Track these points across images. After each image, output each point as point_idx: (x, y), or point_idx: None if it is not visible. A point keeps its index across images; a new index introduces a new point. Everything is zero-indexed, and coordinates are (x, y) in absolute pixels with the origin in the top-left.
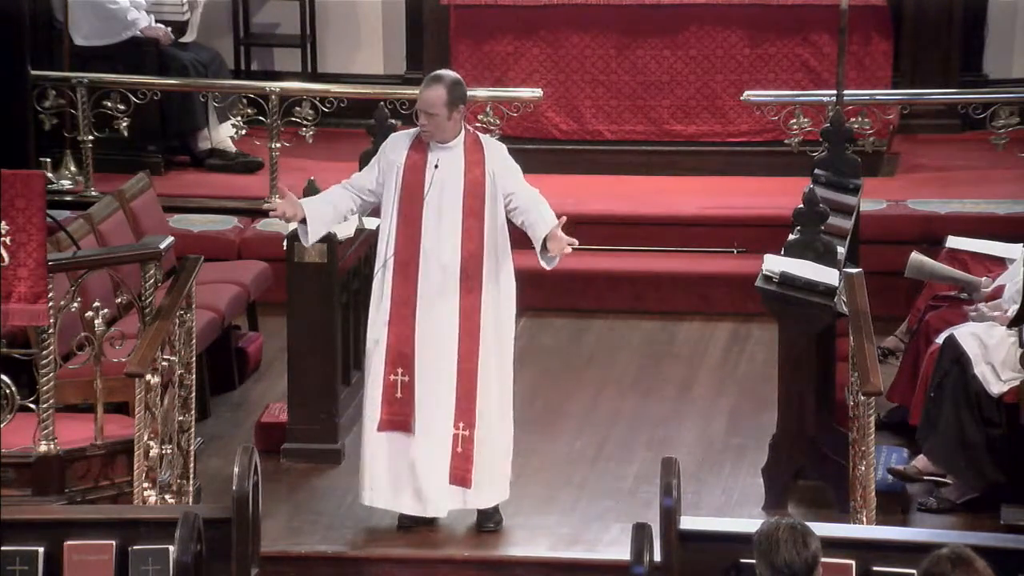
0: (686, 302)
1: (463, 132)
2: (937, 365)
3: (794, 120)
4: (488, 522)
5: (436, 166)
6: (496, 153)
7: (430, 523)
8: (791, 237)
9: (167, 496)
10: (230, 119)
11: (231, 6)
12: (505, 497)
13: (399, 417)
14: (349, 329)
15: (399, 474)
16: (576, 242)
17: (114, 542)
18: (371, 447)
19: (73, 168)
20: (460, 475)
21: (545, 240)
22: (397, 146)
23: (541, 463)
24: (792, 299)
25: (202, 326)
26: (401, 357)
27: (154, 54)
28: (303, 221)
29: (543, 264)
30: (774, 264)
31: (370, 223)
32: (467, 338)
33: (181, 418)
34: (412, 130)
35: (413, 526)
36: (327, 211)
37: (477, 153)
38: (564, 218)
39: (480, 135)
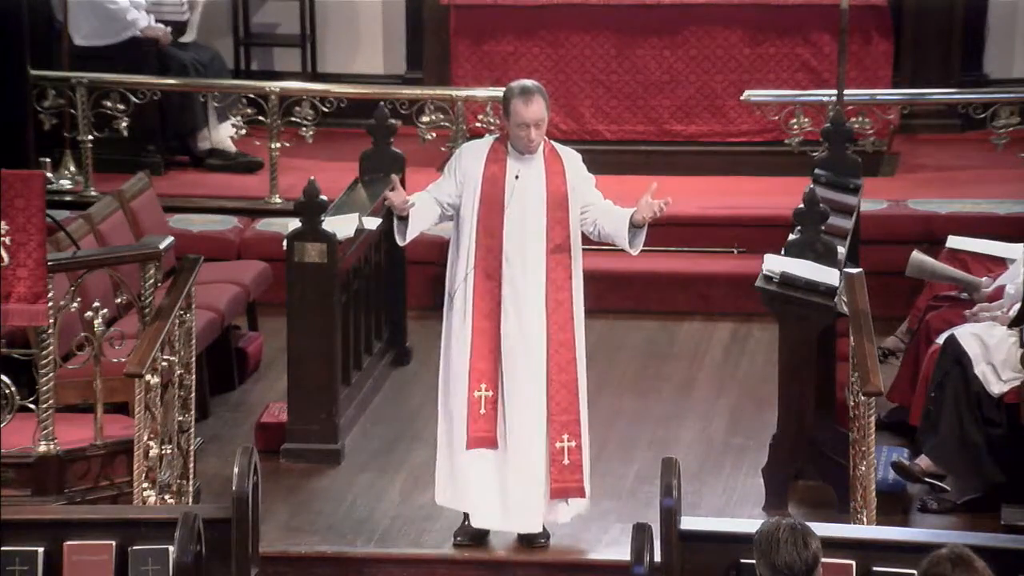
0: (686, 302)
1: (542, 142)
2: (938, 365)
3: (794, 120)
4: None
5: (517, 177)
6: (574, 163)
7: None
8: (791, 237)
9: (167, 496)
10: (230, 119)
11: (231, 6)
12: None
13: (486, 433)
14: (349, 329)
15: (488, 490)
16: (670, 200)
17: (114, 542)
18: (461, 466)
19: (73, 168)
20: (573, 487)
21: (632, 222)
22: (474, 158)
23: None
24: (792, 299)
25: (202, 326)
26: (485, 372)
27: (154, 54)
28: (403, 219)
29: (630, 251)
30: (774, 264)
31: (369, 223)
32: (563, 349)
33: (181, 418)
34: (485, 140)
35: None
36: (423, 215)
37: (557, 163)
38: (655, 185)
39: (555, 144)
